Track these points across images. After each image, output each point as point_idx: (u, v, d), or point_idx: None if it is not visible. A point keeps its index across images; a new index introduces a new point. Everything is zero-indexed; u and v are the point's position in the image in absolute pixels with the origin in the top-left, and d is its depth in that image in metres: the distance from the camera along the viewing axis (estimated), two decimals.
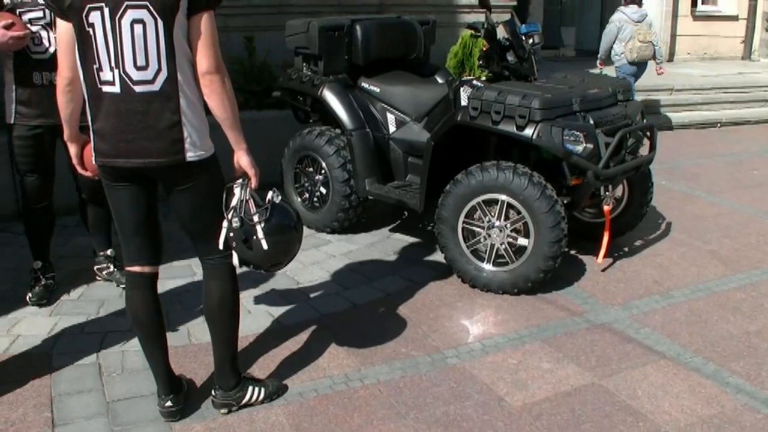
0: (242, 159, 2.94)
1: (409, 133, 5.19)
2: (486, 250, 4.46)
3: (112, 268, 4.52)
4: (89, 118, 2.83)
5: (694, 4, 15.19)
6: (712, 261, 5.15)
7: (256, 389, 3.29)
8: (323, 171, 5.36)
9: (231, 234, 2.90)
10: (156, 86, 2.71)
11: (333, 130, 5.35)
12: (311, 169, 5.50)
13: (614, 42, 8.87)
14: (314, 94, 5.36)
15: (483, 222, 4.43)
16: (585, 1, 15.19)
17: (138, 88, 2.70)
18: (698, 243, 5.49)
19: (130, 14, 2.63)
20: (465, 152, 4.75)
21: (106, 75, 2.70)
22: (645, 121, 4.97)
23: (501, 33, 4.91)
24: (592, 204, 5.04)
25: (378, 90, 5.36)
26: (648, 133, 4.93)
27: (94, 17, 2.65)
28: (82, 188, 4.30)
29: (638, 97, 8.81)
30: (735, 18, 15.27)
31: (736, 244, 5.48)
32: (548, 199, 4.21)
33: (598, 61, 9.20)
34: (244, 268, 3.03)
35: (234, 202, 2.91)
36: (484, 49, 4.88)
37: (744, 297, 4.56)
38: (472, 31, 4.99)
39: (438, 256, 4.73)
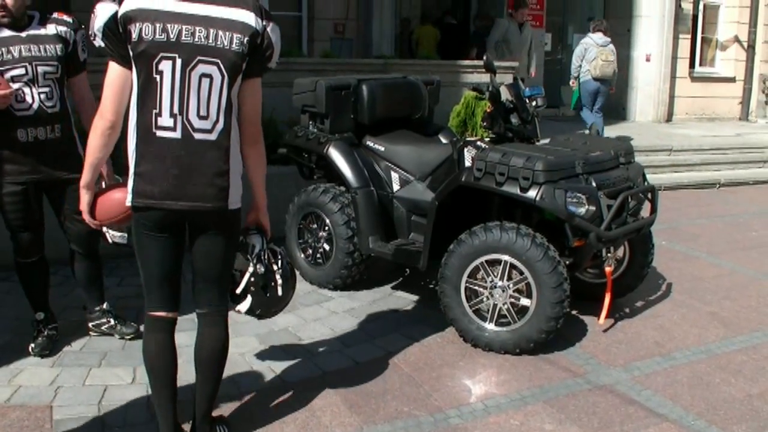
0: (265, 215, 3.25)
1: (413, 191, 5.25)
2: (488, 310, 4.48)
3: (112, 321, 4.49)
4: (133, 161, 2.89)
5: (692, 65, 15.44)
6: (712, 323, 5.16)
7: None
8: (327, 228, 5.41)
9: (252, 279, 3.10)
10: (213, 136, 2.88)
11: (337, 188, 5.41)
12: (315, 226, 5.54)
13: (581, 62, 10.40)
14: (320, 152, 5.43)
15: (486, 282, 4.45)
16: None
17: (197, 136, 2.86)
18: (699, 304, 5.51)
19: (201, 68, 2.81)
20: (468, 212, 4.80)
21: (165, 121, 2.82)
22: (646, 183, 5.04)
23: (504, 94, 5.00)
24: (594, 265, 5.07)
25: (383, 149, 5.44)
26: (649, 196, 4.99)
27: (165, 66, 2.79)
28: (73, 242, 4.27)
29: (637, 157, 8.89)
30: (732, 80, 15.51)
31: (737, 306, 5.50)
32: (551, 260, 4.25)
33: (571, 80, 10.79)
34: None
35: (257, 250, 3.14)
36: (488, 110, 4.96)
37: (745, 359, 4.56)
38: (477, 93, 5.08)
39: (440, 315, 4.74)
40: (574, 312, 5.08)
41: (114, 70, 2.86)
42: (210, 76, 2.82)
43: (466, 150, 4.74)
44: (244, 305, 3.16)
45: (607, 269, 4.71)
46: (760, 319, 5.27)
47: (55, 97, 3.98)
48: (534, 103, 4.93)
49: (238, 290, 3.12)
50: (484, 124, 4.99)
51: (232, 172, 2.95)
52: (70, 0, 9.32)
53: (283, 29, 10.04)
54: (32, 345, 4.25)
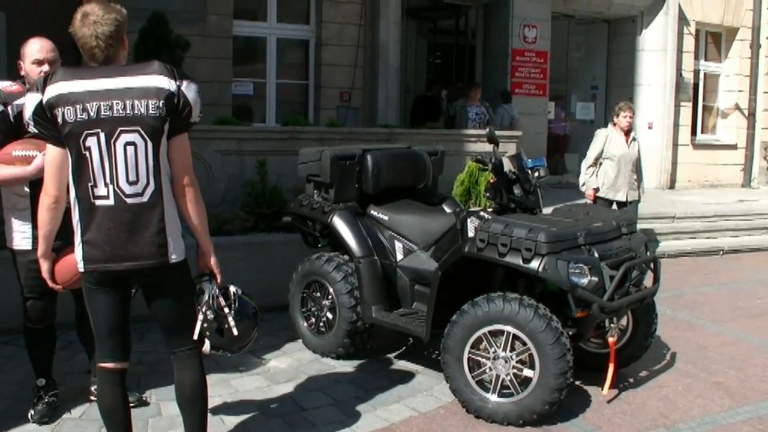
0: (212, 259, 3.37)
1: (417, 261, 5.28)
2: (491, 381, 4.47)
3: None
4: (79, 230, 3.11)
5: (693, 133, 15.61)
6: (717, 393, 5.13)
7: None
8: (330, 296, 5.43)
9: (205, 325, 3.31)
10: (145, 198, 3.10)
11: (341, 257, 5.45)
12: (318, 294, 5.56)
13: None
14: (324, 221, 5.48)
15: (488, 352, 4.45)
16: (585, 130, 15.58)
17: (130, 201, 3.07)
18: (703, 374, 5.48)
19: (124, 137, 3.03)
20: (471, 282, 4.82)
21: (101, 190, 3.05)
22: (648, 253, 5.06)
23: (507, 165, 5.07)
24: (597, 335, 5.07)
25: (387, 218, 5.49)
26: (652, 266, 5.01)
27: (91, 141, 3.01)
28: (81, 305, 4.30)
29: (640, 224, 8.95)
30: (734, 147, 15.66)
31: (742, 376, 5.48)
32: (554, 330, 4.26)
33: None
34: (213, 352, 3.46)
35: (206, 297, 3.33)
36: (492, 181, 5.02)
37: (751, 430, 4.53)
38: (480, 164, 5.15)
39: (443, 385, 4.73)
40: (577, 382, 5.06)
41: (51, 150, 3.10)
42: (134, 144, 3.04)
43: (469, 220, 4.79)
44: (206, 347, 3.40)
45: (611, 340, 4.71)
46: (766, 388, 5.23)
47: None
48: (536, 174, 5.00)
49: (194, 336, 3.31)
50: (487, 194, 5.05)
51: (169, 228, 3.15)
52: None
53: (291, 97, 10.27)
54: (32, 412, 4.25)
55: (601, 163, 8.40)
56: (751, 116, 15.89)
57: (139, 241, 3.09)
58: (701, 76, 16.00)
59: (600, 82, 15.49)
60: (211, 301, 3.33)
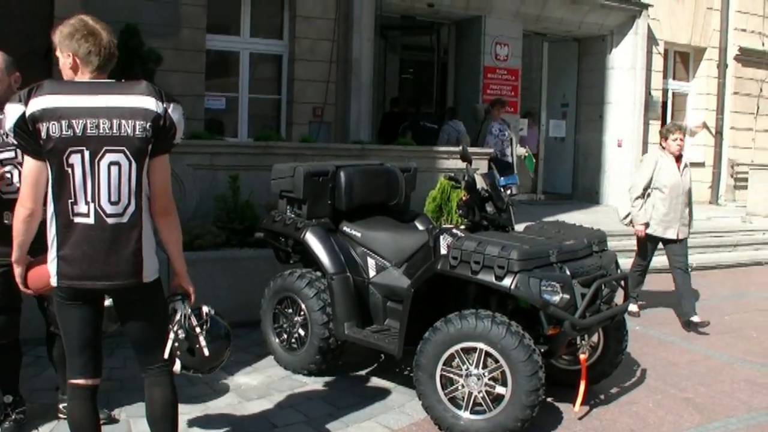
0: (186, 279, 3.38)
1: (389, 278, 5.29)
2: (464, 398, 4.47)
3: None
4: (55, 245, 3.08)
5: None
6: (687, 409, 5.18)
7: None
8: (302, 313, 5.41)
9: (176, 344, 3.30)
10: (125, 218, 3.08)
11: (314, 273, 5.44)
12: (290, 311, 5.54)
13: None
14: (297, 237, 5.47)
15: (461, 370, 4.46)
16: (557, 147, 15.74)
17: (110, 220, 3.06)
18: (673, 390, 5.53)
19: (108, 157, 3.02)
20: (444, 299, 4.83)
21: (81, 208, 3.02)
22: (619, 271, 5.11)
23: (480, 183, 5.10)
24: (569, 352, 5.09)
25: (359, 234, 5.49)
26: (622, 283, 5.06)
27: (75, 159, 2.98)
28: (54, 323, 4.22)
29: (610, 241, 9.01)
30: (702, 165, 15.86)
31: (711, 392, 5.53)
32: (526, 348, 4.27)
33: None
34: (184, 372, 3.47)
35: (178, 316, 3.33)
36: (464, 198, 5.05)
37: None
38: (453, 182, 5.17)
39: (415, 402, 4.73)
40: (549, 399, 5.08)
41: (29, 163, 3.06)
42: (118, 164, 3.03)
43: (442, 237, 4.81)
44: (177, 366, 3.39)
45: (582, 357, 4.74)
46: (735, 405, 5.29)
47: (15, 183, 3.96)
48: (509, 192, 5.04)
49: (165, 355, 3.30)
50: (460, 212, 5.07)
51: (145, 248, 3.15)
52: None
53: (263, 112, 10.22)
54: None
55: (648, 195, 7.29)
56: (719, 135, 16.15)
57: (115, 260, 3.08)
58: (670, 94, 16.25)
59: (570, 99, 15.64)
60: (183, 321, 3.33)
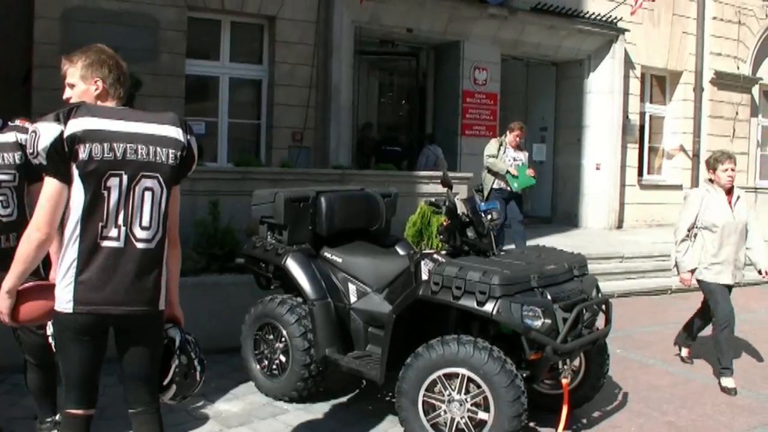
0: (179, 308, 3.41)
1: (370, 303, 5.27)
2: (446, 424, 4.44)
3: None
4: (73, 270, 2.98)
5: (640, 173, 15.96)
6: None
7: None
8: (283, 339, 5.37)
9: (177, 370, 3.26)
10: (153, 244, 3.10)
11: (295, 299, 5.41)
12: (271, 337, 5.50)
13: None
14: (278, 263, 5.45)
15: (443, 395, 4.44)
16: (536, 170, 15.82)
17: (139, 245, 3.06)
18: (655, 414, 5.54)
19: (144, 182, 3.07)
20: (426, 324, 4.82)
21: (111, 232, 3.01)
22: (600, 295, 5.12)
23: (461, 208, 5.11)
24: (551, 376, 5.09)
25: (340, 260, 5.48)
26: (603, 307, 5.07)
27: (113, 182, 3.00)
28: (26, 352, 4.18)
29: (590, 264, 9.04)
30: (679, 187, 16.02)
31: (693, 415, 5.54)
32: (508, 373, 4.27)
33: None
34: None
35: (178, 342, 3.30)
36: (445, 223, 5.05)
37: None
38: (434, 208, 5.18)
39: (398, 428, 4.70)
40: (531, 424, 5.06)
41: (53, 185, 2.99)
42: (152, 189, 3.09)
43: (423, 263, 4.81)
44: (169, 394, 3.32)
45: (564, 381, 4.73)
46: (716, 427, 5.31)
47: (11, 206, 3.95)
48: (489, 217, 5.04)
49: (166, 382, 3.27)
50: (441, 237, 5.08)
51: (163, 276, 3.18)
52: (31, 107, 9.36)
53: (242, 136, 10.23)
54: None
55: (696, 235, 6.43)
56: (695, 157, 16.31)
57: (139, 287, 3.07)
58: (647, 118, 16.41)
59: (549, 123, 15.77)
60: (185, 346, 3.32)
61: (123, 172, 3.01)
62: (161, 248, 3.14)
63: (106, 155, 2.96)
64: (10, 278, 3.11)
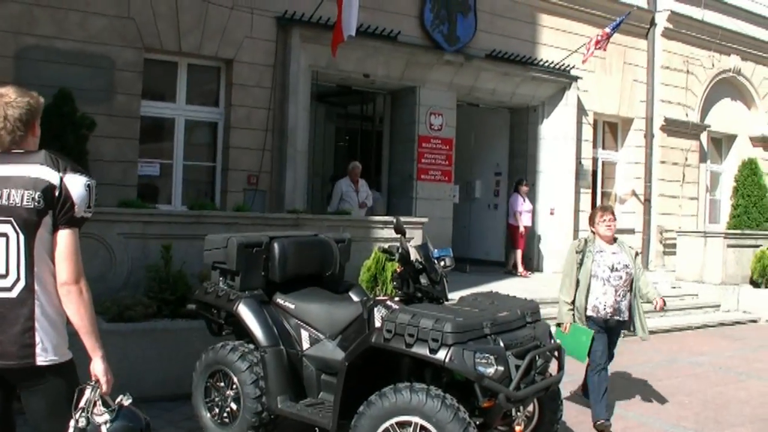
0: (97, 365, 3.06)
1: (323, 350, 5.22)
2: None
3: None
4: None
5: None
6: None
7: None
8: (235, 386, 5.29)
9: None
10: (13, 294, 2.91)
11: (246, 346, 5.34)
12: (223, 384, 5.41)
13: None
14: (230, 309, 5.38)
15: None
16: (490, 215, 15.98)
17: None
18: None
19: None
20: (379, 371, 4.78)
21: None
22: (553, 341, 5.13)
23: (414, 255, 5.11)
24: (504, 423, 5.06)
25: (293, 306, 5.43)
26: (556, 354, 5.08)
27: None
28: None
29: (544, 309, 9.06)
30: (632, 231, 16.26)
31: None
32: (461, 421, 4.23)
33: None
34: None
35: (82, 402, 3.00)
36: (399, 270, 5.05)
37: None
38: (387, 255, 5.18)
39: None
40: None
41: None
42: (6, 235, 2.90)
43: (376, 310, 4.79)
44: None
45: (517, 428, 4.71)
46: None
47: None
48: (442, 264, 5.06)
49: None
50: (394, 284, 5.07)
51: (40, 327, 2.94)
52: None
53: (197, 178, 10.12)
54: None
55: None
56: (647, 202, 16.60)
57: (3, 339, 2.89)
58: (600, 163, 16.67)
59: (503, 168, 15.94)
60: (86, 407, 3.01)
61: None
62: (28, 297, 2.92)
63: None
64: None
